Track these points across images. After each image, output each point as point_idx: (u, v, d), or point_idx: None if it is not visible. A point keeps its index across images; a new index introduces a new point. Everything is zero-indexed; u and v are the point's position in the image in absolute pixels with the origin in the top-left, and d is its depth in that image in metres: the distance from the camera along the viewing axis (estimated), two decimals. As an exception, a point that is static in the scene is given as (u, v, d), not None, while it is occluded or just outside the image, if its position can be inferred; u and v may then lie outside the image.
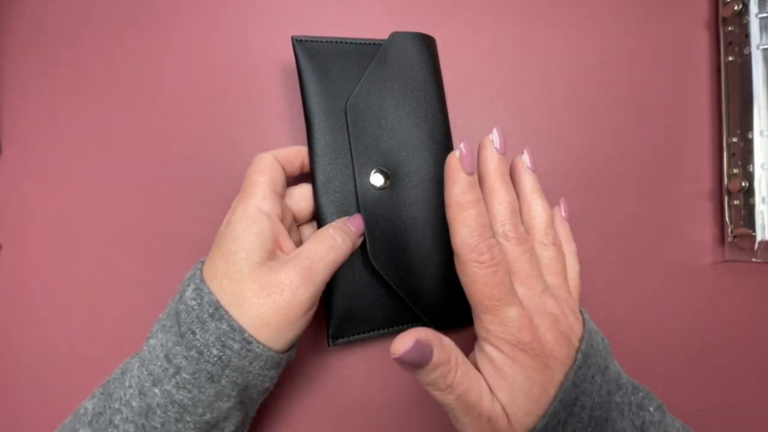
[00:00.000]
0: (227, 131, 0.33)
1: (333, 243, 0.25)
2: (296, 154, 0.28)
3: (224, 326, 0.21)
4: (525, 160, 0.27)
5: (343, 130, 0.29)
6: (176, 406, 0.21)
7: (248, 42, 0.34)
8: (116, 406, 0.22)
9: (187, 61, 0.34)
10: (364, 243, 0.28)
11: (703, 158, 0.35)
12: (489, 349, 0.23)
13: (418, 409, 0.31)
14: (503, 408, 0.22)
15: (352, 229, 0.26)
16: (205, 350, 0.21)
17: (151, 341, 0.23)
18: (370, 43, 0.31)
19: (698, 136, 0.35)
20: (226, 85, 0.34)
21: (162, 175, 0.33)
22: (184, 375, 0.21)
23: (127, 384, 0.22)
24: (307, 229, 0.29)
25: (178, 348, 0.22)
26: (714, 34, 0.35)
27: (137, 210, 0.32)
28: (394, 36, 0.31)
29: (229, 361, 0.22)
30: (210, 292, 0.22)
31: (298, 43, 0.29)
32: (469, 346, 0.32)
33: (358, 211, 0.28)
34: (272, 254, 0.24)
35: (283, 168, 0.27)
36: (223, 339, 0.21)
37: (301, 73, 0.29)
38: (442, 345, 0.22)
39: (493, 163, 0.25)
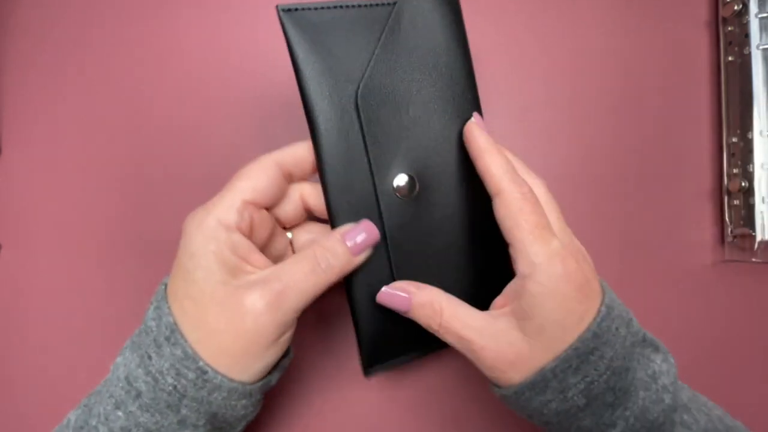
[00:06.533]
0: (229, 132, 0.33)
1: (315, 267, 0.21)
2: (308, 154, 0.24)
3: (178, 352, 0.20)
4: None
5: (354, 127, 0.24)
6: (141, 428, 0.20)
7: (251, 43, 0.34)
8: (93, 423, 0.21)
9: (188, 62, 0.34)
10: (389, 258, 0.24)
11: (703, 158, 0.34)
12: (532, 286, 0.21)
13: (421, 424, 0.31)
14: (523, 336, 0.21)
15: (347, 245, 0.23)
16: (160, 378, 0.20)
17: (118, 359, 0.22)
18: (378, 5, 0.24)
19: (698, 136, 0.35)
20: (228, 85, 0.34)
21: (163, 175, 0.33)
22: (144, 399, 0.20)
23: (104, 401, 0.21)
24: (301, 234, 0.27)
25: (139, 371, 0.20)
26: (714, 34, 0.35)
27: (138, 210, 0.32)
28: None
29: (185, 391, 0.20)
30: (169, 313, 0.21)
31: (285, 14, 0.23)
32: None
33: (382, 227, 0.24)
34: (236, 271, 0.21)
35: (290, 172, 0.24)
36: (177, 366, 0.20)
37: (295, 55, 0.23)
38: (420, 292, 0.23)
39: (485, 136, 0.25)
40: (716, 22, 0.35)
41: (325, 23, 0.23)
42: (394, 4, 0.24)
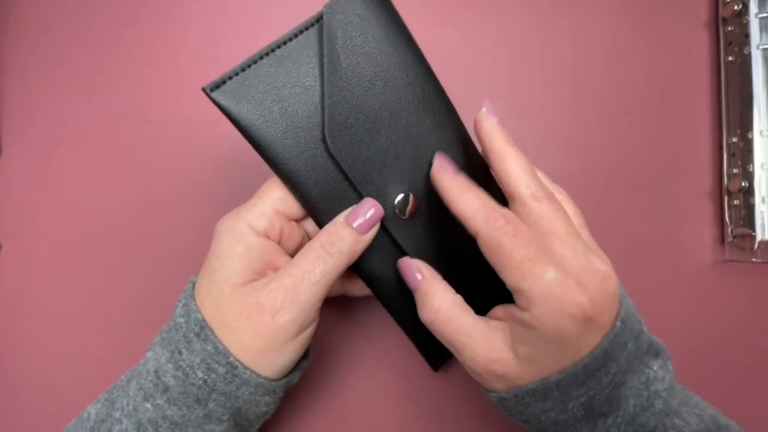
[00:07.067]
0: (232, 130, 0.33)
1: (319, 254, 0.22)
2: None
3: (209, 348, 0.21)
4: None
5: (337, 176, 0.23)
6: (167, 421, 0.21)
7: (253, 41, 0.34)
8: (117, 416, 0.22)
9: (189, 60, 0.34)
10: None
11: (703, 158, 0.34)
12: (529, 319, 0.20)
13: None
14: (515, 357, 0.21)
15: (352, 226, 0.22)
16: (191, 372, 0.21)
17: (148, 354, 0.22)
18: (303, 30, 0.22)
19: (698, 136, 0.35)
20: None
21: (164, 174, 0.33)
22: (173, 393, 0.21)
23: (131, 394, 0.22)
24: None
25: (169, 365, 0.21)
26: (714, 34, 0.35)
27: (138, 210, 0.32)
28: (333, 6, 0.22)
29: (215, 385, 0.21)
30: (197, 310, 0.21)
31: (216, 93, 0.21)
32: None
33: (401, 251, 0.24)
34: (261, 275, 0.22)
35: None
36: (208, 361, 0.21)
37: (244, 129, 0.22)
38: (429, 280, 0.23)
39: (494, 129, 0.23)
40: (716, 22, 0.35)
41: (260, 81, 0.22)
42: (319, 20, 0.22)
